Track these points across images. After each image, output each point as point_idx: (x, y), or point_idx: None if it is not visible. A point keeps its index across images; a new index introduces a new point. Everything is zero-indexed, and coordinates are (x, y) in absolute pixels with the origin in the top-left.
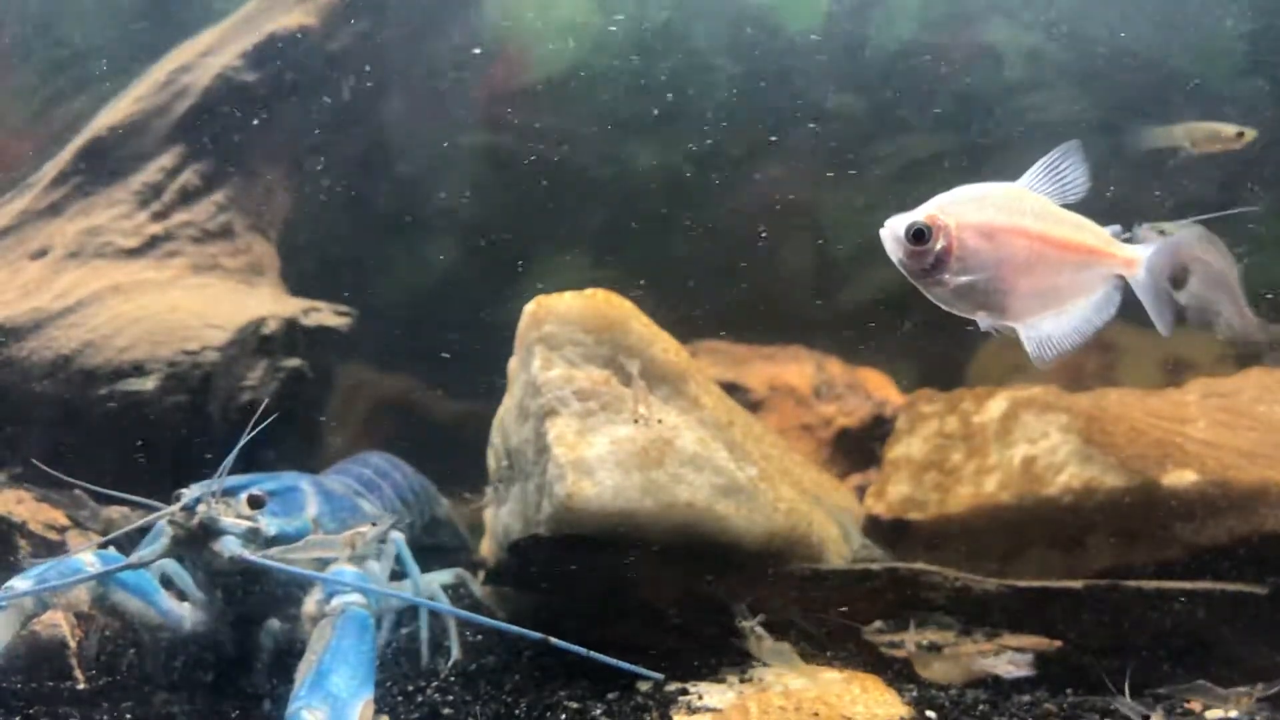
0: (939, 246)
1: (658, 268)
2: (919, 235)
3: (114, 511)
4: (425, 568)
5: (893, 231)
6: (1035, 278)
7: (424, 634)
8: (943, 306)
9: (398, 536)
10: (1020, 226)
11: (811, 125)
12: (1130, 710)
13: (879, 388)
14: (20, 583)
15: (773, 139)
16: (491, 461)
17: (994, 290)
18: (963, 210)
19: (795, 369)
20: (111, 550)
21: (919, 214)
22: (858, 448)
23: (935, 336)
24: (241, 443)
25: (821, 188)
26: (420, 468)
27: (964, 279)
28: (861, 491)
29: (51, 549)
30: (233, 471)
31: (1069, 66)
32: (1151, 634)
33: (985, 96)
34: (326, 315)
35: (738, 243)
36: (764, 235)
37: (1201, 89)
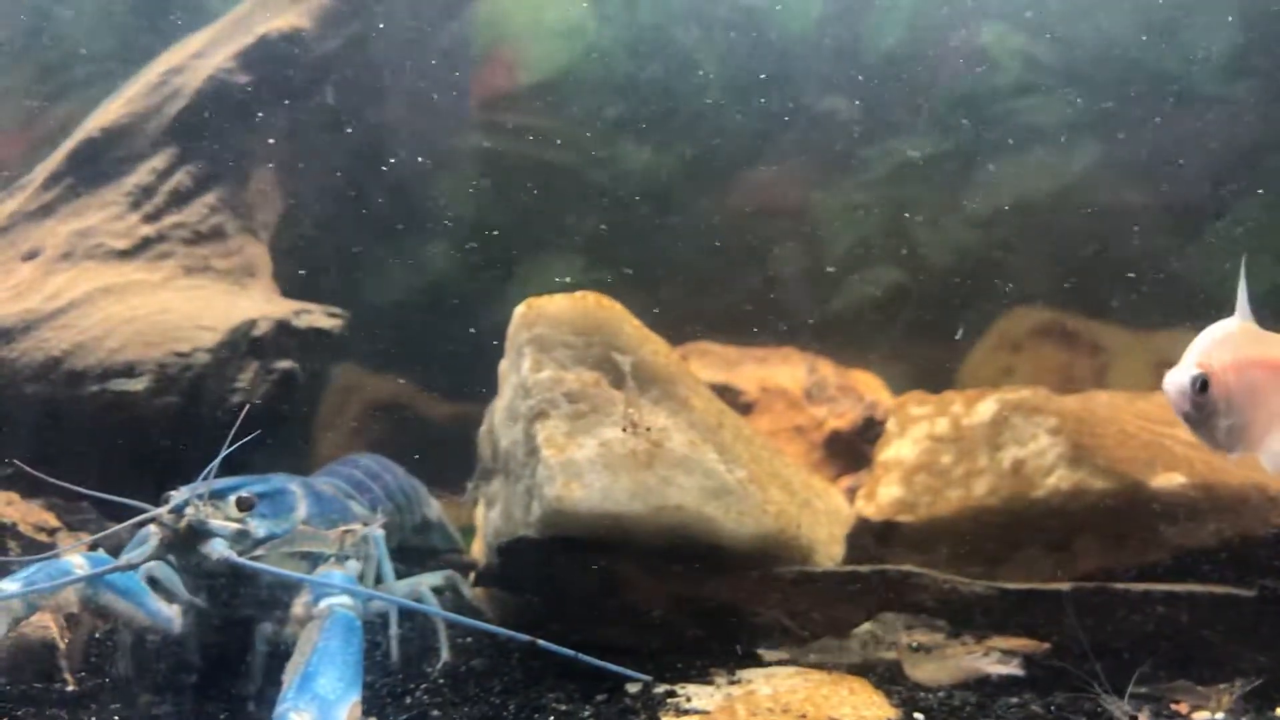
0: (1215, 393)
1: (650, 270)
2: (1204, 385)
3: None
4: (416, 570)
5: (1177, 387)
6: (1272, 404)
7: (393, 629)
8: (1213, 448)
9: (378, 534)
10: (1257, 358)
11: (803, 127)
12: (1118, 710)
13: (871, 390)
14: (8, 585)
15: (765, 141)
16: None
17: (1246, 423)
18: (1219, 353)
19: (787, 371)
20: (100, 552)
21: (1190, 367)
22: (849, 450)
23: (926, 339)
24: (229, 445)
25: (813, 190)
26: (411, 469)
27: (1230, 420)
28: (853, 494)
29: (41, 551)
30: (223, 473)
31: (1061, 69)
32: (1138, 636)
33: (977, 99)
34: (318, 317)
35: (730, 245)
36: (755, 237)
37: (1192, 91)
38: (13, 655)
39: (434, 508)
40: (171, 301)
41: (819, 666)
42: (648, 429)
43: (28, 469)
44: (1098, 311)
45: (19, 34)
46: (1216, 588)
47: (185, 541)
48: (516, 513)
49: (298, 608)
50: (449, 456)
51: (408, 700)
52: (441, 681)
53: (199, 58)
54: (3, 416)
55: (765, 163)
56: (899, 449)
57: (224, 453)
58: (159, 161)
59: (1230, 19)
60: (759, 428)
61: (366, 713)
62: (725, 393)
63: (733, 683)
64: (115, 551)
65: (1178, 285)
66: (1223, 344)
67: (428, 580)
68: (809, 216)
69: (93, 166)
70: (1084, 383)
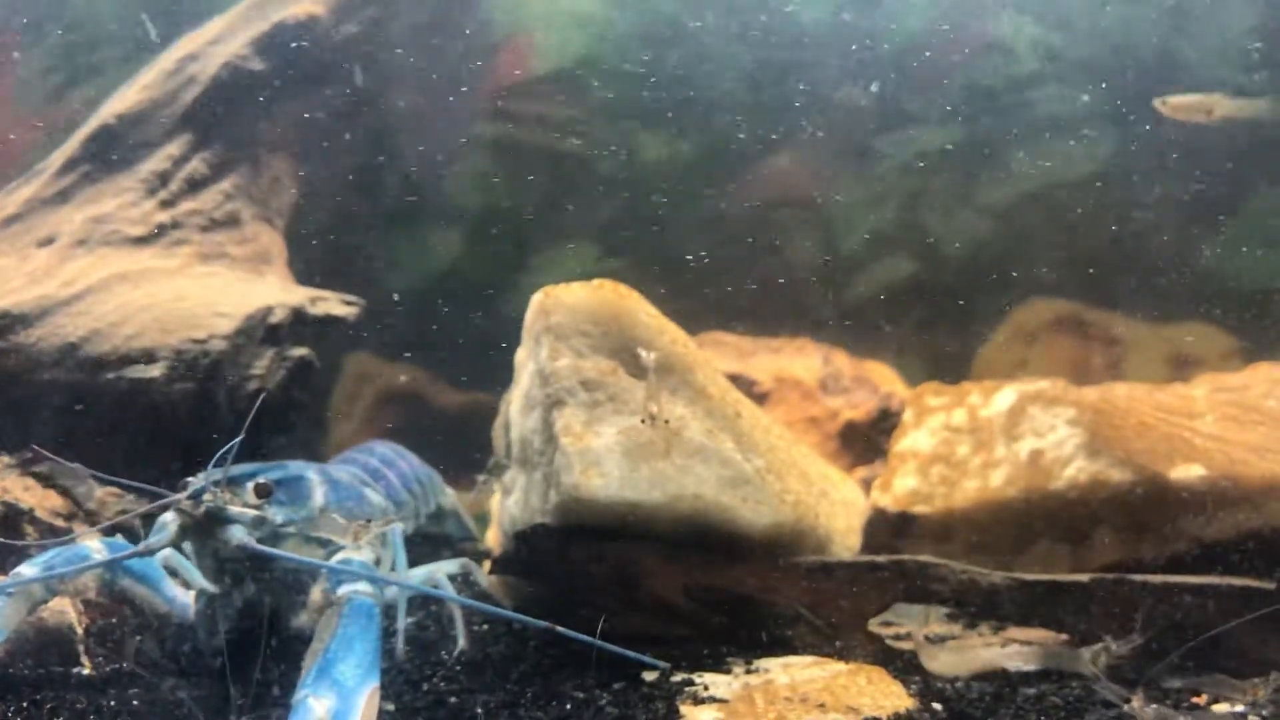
0: None
1: (665, 259)
2: None
3: (106, 494)
4: (430, 557)
5: None
6: None
7: (401, 621)
8: None
9: (395, 529)
10: None
11: (819, 117)
12: (1109, 692)
13: (885, 381)
14: (28, 569)
15: (781, 130)
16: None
17: None
18: None
19: (801, 361)
20: (118, 537)
21: None
22: (864, 441)
23: (941, 330)
24: (244, 431)
25: (829, 180)
26: (425, 457)
27: None
28: (867, 485)
29: (58, 536)
30: (239, 460)
31: (1078, 60)
32: (1159, 628)
33: (994, 89)
34: (333, 304)
35: (744, 235)
36: (770, 227)
37: (1210, 81)
38: (32, 639)
39: (449, 496)
40: (187, 288)
41: (837, 656)
42: (666, 421)
43: (47, 455)
44: (1114, 304)
45: (35, 19)
46: (1235, 580)
47: (203, 528)
48: (534, 500)
49: (316, 594)
50: (462, 445)
51: (425, 687)
52: (459, 669)
53: (215, 44)
54: (20, 402)
55: (781, 152)
56: (915, 440)
57: (238, 438)
58: (175, 148)
59: (1249, 7)
60: (773, 418)
61: (384, 699)
62: (739, 383)
63: (750, 671)
64: (132, 537)
65: (1194, 278)
66: None
67: (443, 568)
68: (824, 206)
69: (108, 153)
70: (1099, 375)
